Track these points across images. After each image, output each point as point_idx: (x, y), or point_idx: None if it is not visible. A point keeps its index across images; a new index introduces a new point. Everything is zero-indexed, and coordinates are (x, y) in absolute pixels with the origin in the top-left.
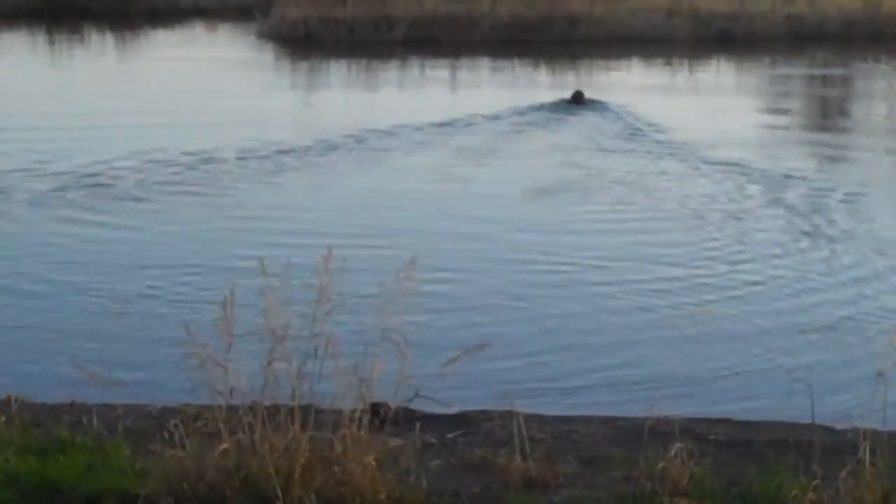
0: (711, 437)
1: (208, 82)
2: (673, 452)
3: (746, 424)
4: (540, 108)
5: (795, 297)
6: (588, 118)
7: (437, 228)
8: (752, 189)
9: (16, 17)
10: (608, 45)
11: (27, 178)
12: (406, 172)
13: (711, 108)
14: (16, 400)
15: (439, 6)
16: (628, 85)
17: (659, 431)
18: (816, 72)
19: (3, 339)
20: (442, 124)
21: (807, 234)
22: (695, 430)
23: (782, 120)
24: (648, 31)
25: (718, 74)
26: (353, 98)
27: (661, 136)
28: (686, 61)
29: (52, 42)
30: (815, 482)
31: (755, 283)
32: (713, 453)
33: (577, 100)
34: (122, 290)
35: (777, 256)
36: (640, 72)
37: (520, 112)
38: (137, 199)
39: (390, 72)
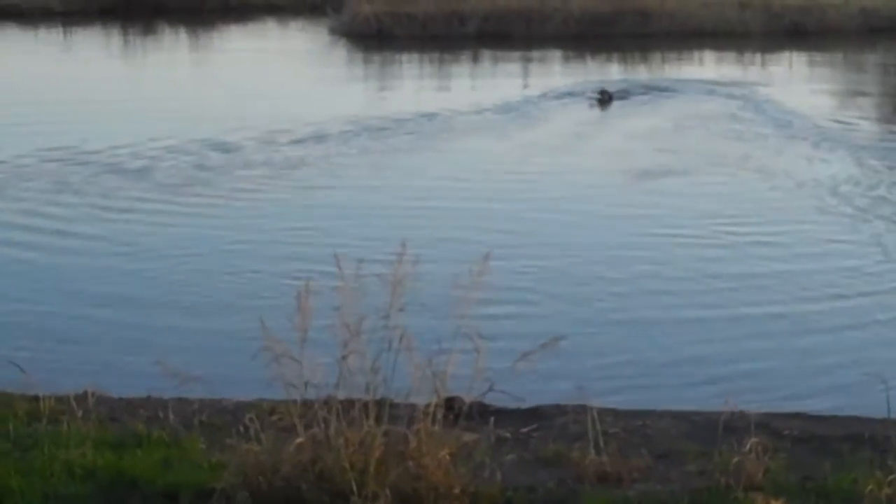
0: (786, 431)
1: (284, 76)
2: (748, 447)
3: (821, 419)
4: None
5: (873, 291)
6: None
7: (514, 217)
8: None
9: (89, 15)
10: (680, 39)
11: (104, 170)
12: (474, 160)
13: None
14: (92, 394)
15: (511, 1)
16: (703, 76)
17: (733, 426)
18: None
19: (79, 334)
20: (512, 112)
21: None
22: (770, 425)
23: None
24: (720, 24)
25: (791, 67)
26: (426, 86)
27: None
28: (759, 54)
29: (125, 39)
30: (890, 477)
31: (833, 279)
32: (788, 448)
33: (604, 100)
34: (197, 284)
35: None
36: (712, 65)
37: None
38: (211, 193)
39: (463, 65)
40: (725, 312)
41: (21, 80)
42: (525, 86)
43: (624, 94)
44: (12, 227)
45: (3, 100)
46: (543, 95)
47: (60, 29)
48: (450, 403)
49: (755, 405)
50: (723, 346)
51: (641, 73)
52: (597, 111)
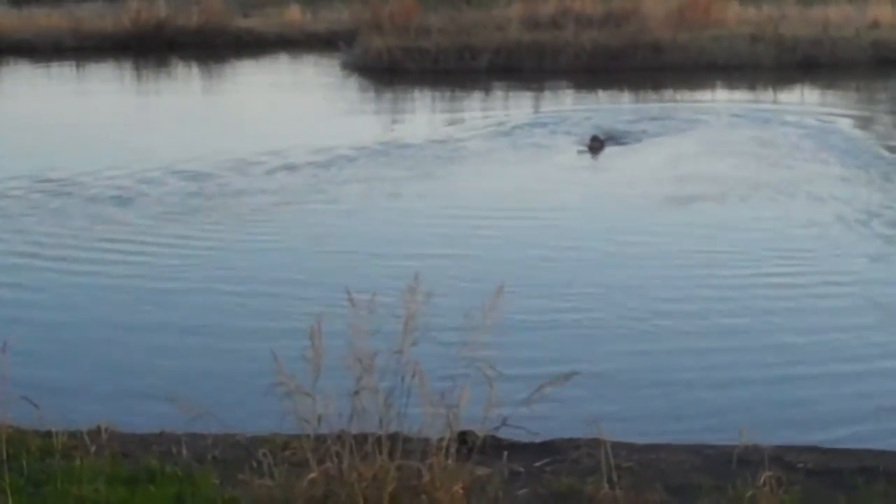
0: (800, 465)
1: (295, 107)
2: (762, 481)
3: (836, 452)
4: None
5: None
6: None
7: (529, 248)
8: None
9: (102, 50)
10: (692, 73)
11: (109, 199)
12: (488, 191)
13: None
14: (105, 430)
15: (523, 35)
16: (718, 111)
17: (747, 459)
18: None
19: (92, 371)
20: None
21: None
22: (783, 459)
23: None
24: (732, 57)
25: (803, 99)
26: (437, 117)
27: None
28: (770, 87)
29: (138, 73)
30: None
31: (847, 306)
32: (802, 481)
33: (595, 147)
34: (209, 319)
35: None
36: (725, 98)
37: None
38: (219, 224)
39: (474, 99)
40: (741, 345)
41: (29, 112)
42: (580, 150)
43: (621, 137)
44: (19, 256)
45: (10, 129)
46: (558, 127)
47: (73, 64)
48: (463, 437)
49: (769, 438)
50: (737, 380)
51: (653, 106)
52: (588, 157)
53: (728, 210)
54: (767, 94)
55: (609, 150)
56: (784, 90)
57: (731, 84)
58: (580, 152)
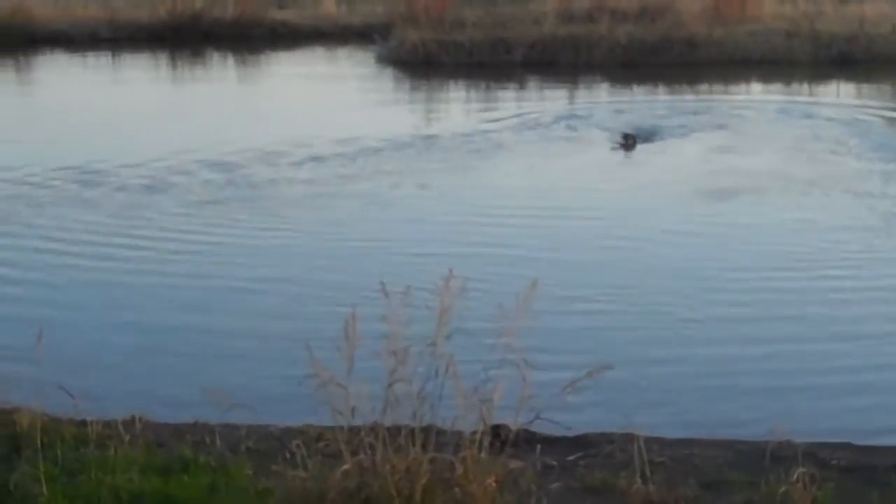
0: (834, 461)
1: (330, 98)
2: (795, 477)
3: (869, 449)
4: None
5: None
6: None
7: (565, 242)
8: None
9: (138, 41)
10: (727, 68)
11: (141, 190)
12: (523, 183)
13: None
14: (140, 420)
15: (558, 29)
16: (754, 106)
17: (781, 455)
18: None
19: (126, 361)
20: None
21: None
22: (817, 455)
23: None
24: (768, 53)
25: (839, 95)
26: (473, 109)
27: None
28: (806, 83)
29: (173, 64)
30: None
31: (886, 309)
32: (835, 478)
33: (628, 144)
34: (243, 310)
35: None
36: (760, 93)
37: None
38: (253, 214)
39: (509, 91)
40: (776, 341)
41: (63, 102)
42: (612, 147)
43: (655, 133)
44: (53, 248)
45: (43, 119)
46: (592, 121)
47: (109, 55)
48: (496, 431)
49: (802, 434)
50: (771, 375)
51: (688, 101)
52: (620, 154)
53: (767, 206)
54: (803, 90)
55: (642, 147)
56: (820, 86)
57: (767, 80)
58: (613, 149)
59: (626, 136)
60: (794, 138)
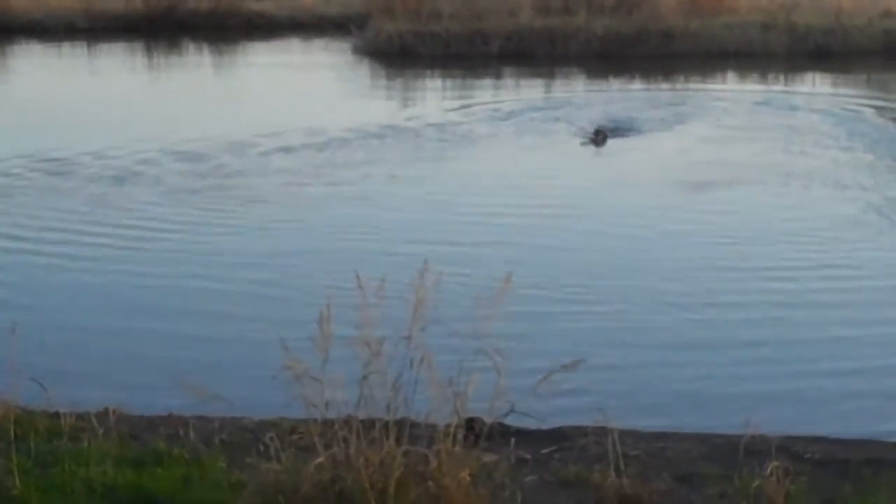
0: (807, 455)
1: (305, 89)
2: (768, 470)
3: (843, 443)
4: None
5: None
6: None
7: (539, 234)
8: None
9: (114, 32)
10: (703, 60)
11: (115, 179)
12: (499, 175)
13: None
14: (113, 412)
15: (535, 20)
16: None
17: (754, 449)
18: None
19: (100, 352)
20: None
21: None
22: (791, 449)
23: None
24: (744, 45)
25: (815, 87)
26: (448, 100)
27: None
28: (782, 75)
29: (149, 54)
30: None
31: (863, 297)
32: (809, 472)
33: (598, 140)
34: (217, 301)
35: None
36: (736, 86)
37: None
38: (227, 205)
39: (485, 83)
40: (747, 334)
41: (37, 92)
42: (582, 142)
43: (629, 127)
44: (26, 238)
45: (16, 108)
46: (568, 113)
47: (84, 45)
48: (470, 424)
49: (776, 428)
50: (744, 368)
51: (664, 93)
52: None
53: (744, 198)
54: (780, 82)
55: (618, 140)
56: (796, 78)
57: (743, 72)
58: (583, 144)
59: (596, 132)
60: (771, 130)
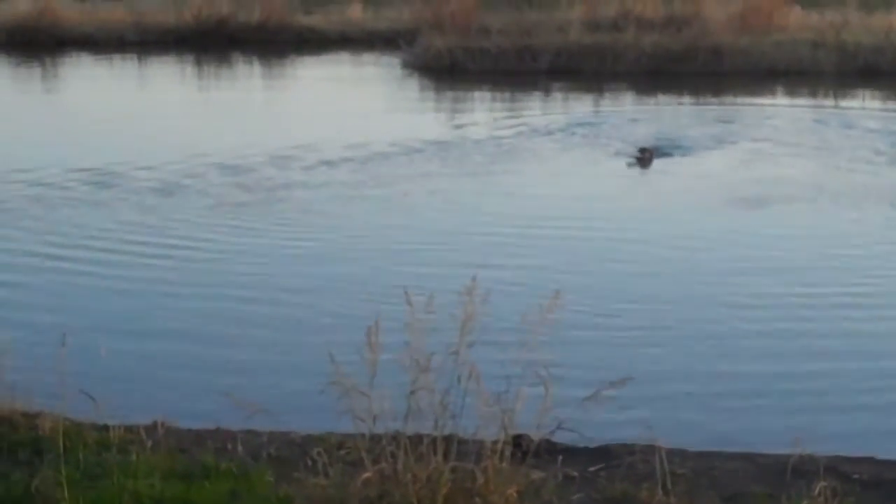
0: (855, 476)
1: (353, 103)
2: (816, 491)
3: (892, 463)
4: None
5: None
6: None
7: (590, 249)
8: None
9: (165, 45)
10: (753, 78)
11: (160, 192)
12: (550, 190)
13: None
14: (162, 425)
15: (584, 37)
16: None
17: (802, 469)
18: None
19: (148, 365)
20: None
21: None
22: (838, 469)
23: None
24: (793, 63)
25: (864, 105)
26: (498, 115)
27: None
28: (832, 94)
29: (199, 68)
30: None
31: None
32: (857, 492)
33: (644, 158)
34: (266, 316)
35: None
36: (786, 103)
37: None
38: (275, 217)
39: (533, 101)
40: (796, 354)
41: (86, 104)
42: (628, 162)
43: (676, 144)
44: (74, 247)
45: (64, 121)
46: (616, 130)
47: (134, 58)
48: (518, 441)
49: (824, 448)
50: (794, 388)
51: (713, 110)
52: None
53: (795, 217)
54: (829, 100)
55: (660, 162)
56: (846, 96)
57: (792, 90)
58: (629, 164)
59: (642, 151)
60: (821, 148)
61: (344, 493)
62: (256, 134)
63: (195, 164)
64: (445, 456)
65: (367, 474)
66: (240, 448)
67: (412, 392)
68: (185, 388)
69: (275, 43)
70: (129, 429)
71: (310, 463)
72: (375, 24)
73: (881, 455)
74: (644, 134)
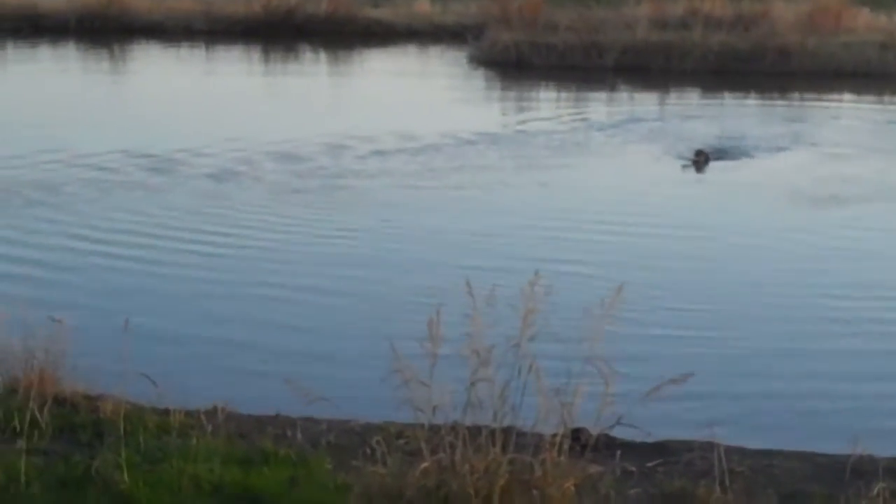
0: None
1: (418, 95)
2: (875, 492)
3: None
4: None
5: None
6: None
7: (654, 246)
8: None
9: (233, 34)
10: (820, 78)
11: (219, 179)
12: (614, 185)
13: None
14: (222, 410)
15: (651, 34)
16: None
17: (861, 470)
18: None
19: (210, 351)
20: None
21: None
22: None
23: None
24: (861, 64)
25: None
26: (563, 109)
27: None
28: None
29: (266, 58)
30: None
31: None
32: None
33: (699, 161)
34: (326, 304)
35: None
36: (853, 104)
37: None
38: (336, 205)
39: (599, 98)
40: (858, 353)
41: (154, 92)
42: (683, 164)
43: (735, 146)
44: (137, 240)
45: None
46: (682, 128)
47: (203, 47)
48: (576, 434)
49: (884, 448)
50: (855, 388)
51: (779, 110)
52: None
53: (866, 219)
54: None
55: (723, 159)
56: None
57: (860, 91)
58: (684, 167)
59: (698, 153)
60: (889, 148)
61: (402, 483)
62: (320, 124)
63: (254, 151)
64: (504, 448)
65: (425, 464)
66: (299, 435)
67: (472, 384)
68: (245, 374)
69: (342, 35)
70: (190, 413)
71: (368, 451)
72: (443, 17)
73: None
74: (708, 133)
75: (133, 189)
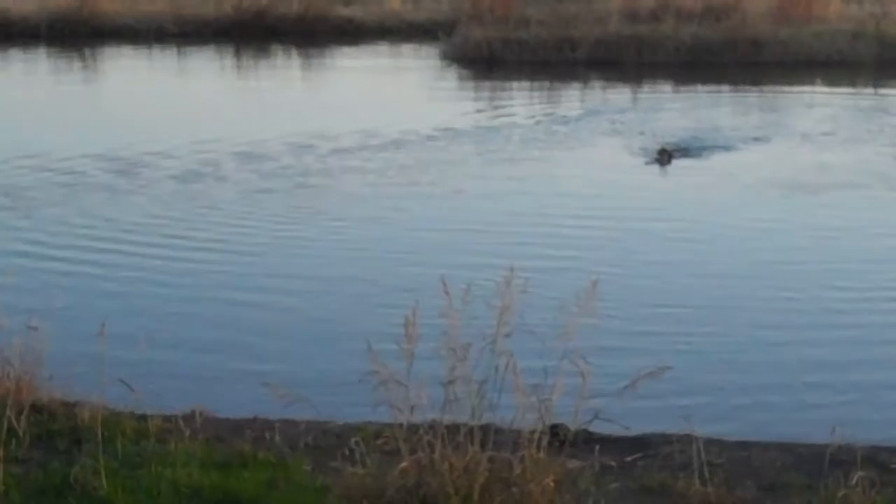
0: (894, 465)
1: (391, 92)
2: (854, 481)
3: None
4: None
5: None
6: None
7: (627, 239)
8: None
9: (204, 36)
10: (792, 68)
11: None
12: (587, 177)
13: None
14: (200, 414)
15: (622, 27)
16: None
17: (840, 459)
18: None
19: (187, 355)
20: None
21: None
22: (877, 458)
23: None
24: (833, 54)
25: None
26: (536, 104)
27: None
28: (871, 84)
29: (237, 58)
30: None
31: None
32: (895, 483)
33: (663, 160)
34: (302, 305)
35: None
36: (825, 93)
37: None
38: (309, 205)
39: (572, 92)
40: (834, 342)
41: (125, 94)
42: (647, 162)
43: (687, 149)
44: (109, 245)
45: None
46: (654, 120)
47: (174, 49)
48: (555, 430)
49: (862, 437)
50: (832, 378)
51: (752, 100)
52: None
53: (836, 204)
54: (868, 90)
55: (695, 153)
56: (885, 86)
57: (832, 80)
58: (647, 164)
59: (661, 151)
60: (861, 137)
61: (381, 483)
62: (292, 123)
63: (225, 152)
64: (482, 445)
65: (404, 464)
66: (277, 437)
67: (449, 382)
68: (222, 377)
69: (313, 34)
70: (168, 418)
71: (347, 452)
72: (414, 15)
73: None
74: (681, 125)
75: (103, 192)
